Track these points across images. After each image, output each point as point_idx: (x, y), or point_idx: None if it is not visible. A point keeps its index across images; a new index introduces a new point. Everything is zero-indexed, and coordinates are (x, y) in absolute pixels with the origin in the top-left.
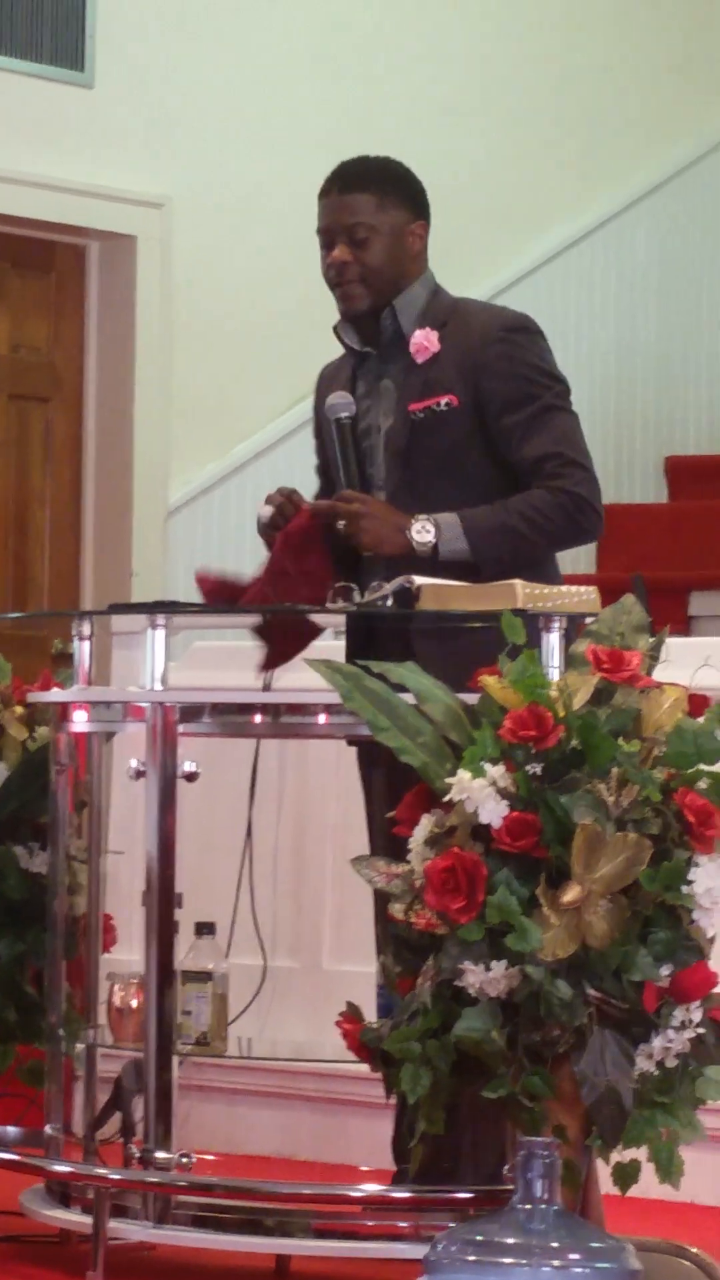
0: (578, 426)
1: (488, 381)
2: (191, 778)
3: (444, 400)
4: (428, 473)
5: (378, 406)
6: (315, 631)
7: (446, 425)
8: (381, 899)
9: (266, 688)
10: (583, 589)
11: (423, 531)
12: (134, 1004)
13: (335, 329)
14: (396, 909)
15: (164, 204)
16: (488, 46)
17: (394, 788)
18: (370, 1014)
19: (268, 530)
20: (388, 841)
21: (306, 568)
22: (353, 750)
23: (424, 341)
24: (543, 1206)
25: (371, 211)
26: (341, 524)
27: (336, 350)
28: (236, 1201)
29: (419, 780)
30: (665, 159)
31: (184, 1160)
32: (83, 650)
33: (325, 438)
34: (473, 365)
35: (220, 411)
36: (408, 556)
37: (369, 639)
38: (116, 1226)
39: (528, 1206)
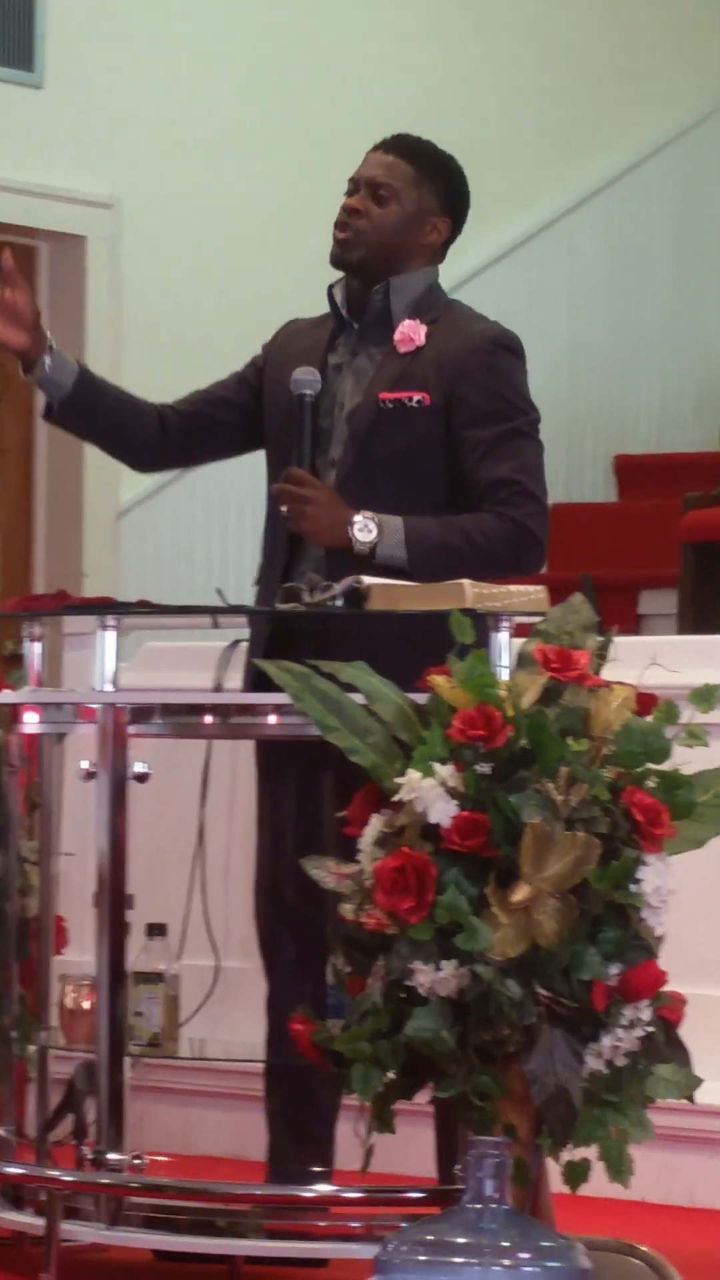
0: (541, 458)
1: (464, 389)
2: (142, 779)
3: (416, 397)
4: (382, 464)
5: (345, 383)
6: None
7: (412, 422)
8: (332, 898)
9: (218, 688)
10: (531, 588)
11: (364, 530)
12: (86, 1006)
13: (330, 289)
14: (347, 909)
15: (113, 204)
16: (432, 49)
17: (293, 789)
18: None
19: None
20: (280, 844)
21: None
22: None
23: (410, 333)
24: (493, 1206)
25: (404, 180)
26: (285, 507)
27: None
28: (188, 1202)
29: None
30: (612, 160)
31: (136, 1162)
32: (34, 651)
33: (268, 401)
34: (453, 369)
35: None
36: (345, 550)
37: (284, 640)
38: (69, 1228)
39: (478, 1206)
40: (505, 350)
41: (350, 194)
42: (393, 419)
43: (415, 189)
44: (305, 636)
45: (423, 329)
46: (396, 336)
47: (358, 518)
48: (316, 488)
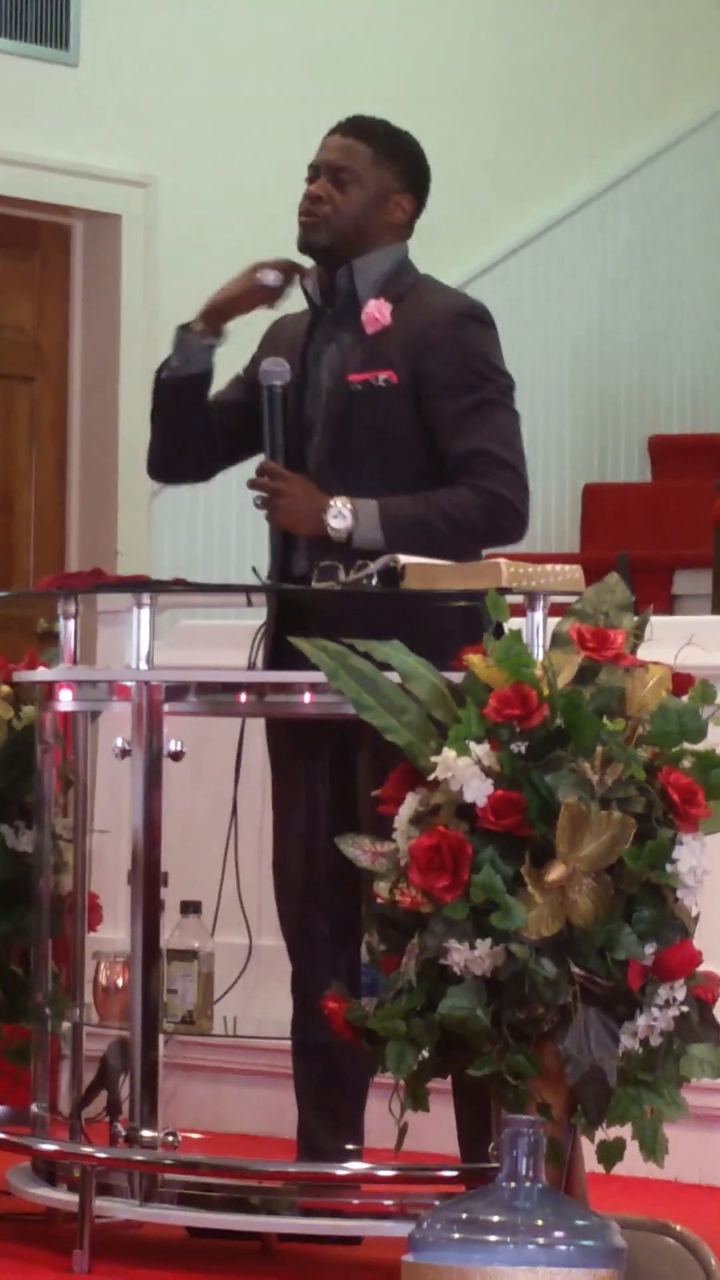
0: (515, 425)
1: (431, 363)
2: (177, 757)
3: (383, 376)
4: (358, 446)
5: (322, 369)
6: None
7: (383, 401)
8: (368, 877)
9: (252, 667)
10: (567, 568)
11: (338, 517)
12: (120, 983)
13: (301, 282)
14: (381, 887)
15: (149, 183)
16: (467, 32)
17: (304, 768)
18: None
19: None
20: (296, 823)
21: None
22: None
23: (375, 313)
24: (528, 1184)
25: (363, 162)
26: (258, 499)
27: None
28: (222, 1180)
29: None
30: (645, 141)
31: (169, 1139)
32: (68, 629)
33: (256, 395)
34: (419, 345)
35: None
36: (324, 538)
37: (298, 618)
38: (102, 1205)
39: (513, 1184)
40: (471, 320)
41: (311, 180)
42: (364, 400)
43: (375, 169)
44: (314, 616)
45: (388, 308)
46: (363, 317)
47: (332, 504)
48: (287, 480)
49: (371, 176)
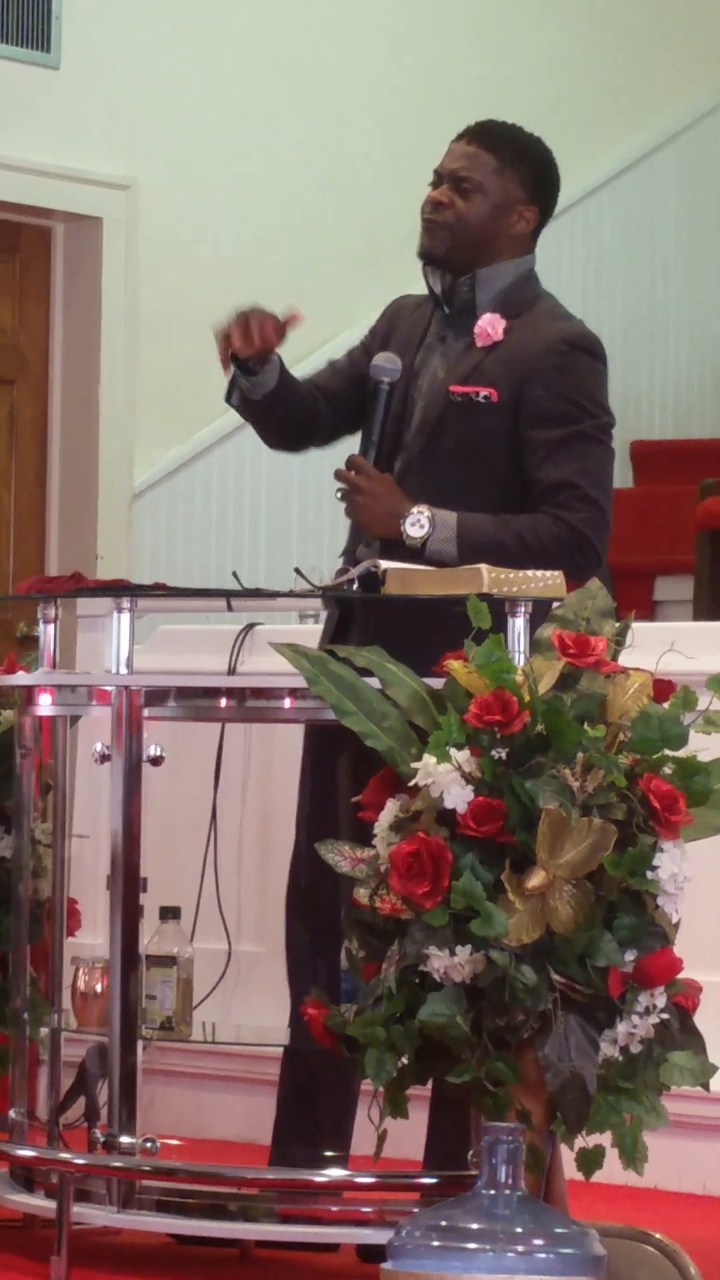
0: (608, 463)
1: (532, 388)
2: (157, 762)
3: (484, 393)
4: (449, 455)
5: (431, 366)
6: None
7: (480, 417)
8: (348, 883)
9: (232, 671)
10: (548, 574)
11: (415, 525)
12: (99, 988)
13: (425, 269)
14: (361, 894)
15: (130, 186)
16: (448, 38)
17: (334, 773)
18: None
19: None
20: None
21: None
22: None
23: (489, 327)
24: (507, 1192)
25: (487, 171)
26: (339, 492)
27: (308, 335)
28: (200, 1186)
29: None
30: (626, 147)
31: (148, 1145)
32: (48, 633)
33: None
34: (524, 368)
35: (185, 395)
36: (397, 540)
37: (348, 624)
38: (80, 1211)
39: (492, 1192)
40: (580, 351)
41: (435, 185)
42: (461, 412)
43: (499, 178)
44: (361, 620)
45: (502, 324)
46: (475, 330)
47: (412, 511)
48: (372, 478)
49: (495, 186)
